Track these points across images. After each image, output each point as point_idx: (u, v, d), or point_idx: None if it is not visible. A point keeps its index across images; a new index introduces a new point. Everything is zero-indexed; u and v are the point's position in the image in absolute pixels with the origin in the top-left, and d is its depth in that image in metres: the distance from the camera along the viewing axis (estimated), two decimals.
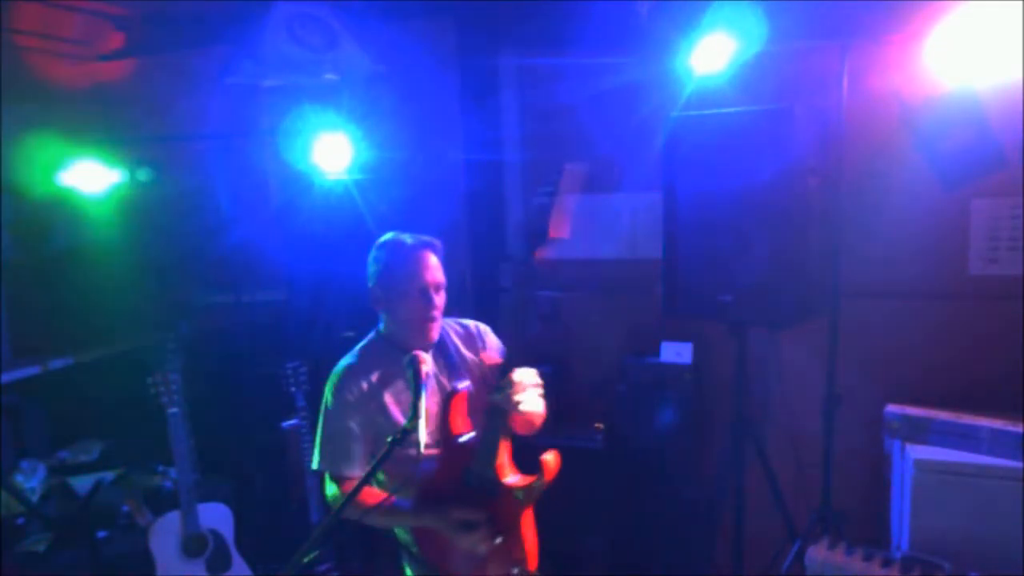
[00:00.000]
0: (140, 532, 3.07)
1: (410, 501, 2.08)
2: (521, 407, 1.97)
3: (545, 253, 3.76)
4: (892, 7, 2.92)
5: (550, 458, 2.08)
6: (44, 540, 3.26)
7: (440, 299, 2.11)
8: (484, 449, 2.05)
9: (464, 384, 2.16)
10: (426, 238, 2.14)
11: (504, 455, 2.08)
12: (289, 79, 3.36)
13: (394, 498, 2.06)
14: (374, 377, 2.12)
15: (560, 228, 1.73)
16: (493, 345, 2.32)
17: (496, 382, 2.03)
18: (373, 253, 2.16)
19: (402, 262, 2.10)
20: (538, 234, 1.80)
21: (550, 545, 2.19)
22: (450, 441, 2.10)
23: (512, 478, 2.09)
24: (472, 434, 2.12)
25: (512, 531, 2.10)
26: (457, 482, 2.07)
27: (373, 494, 2.07)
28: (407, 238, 2.14)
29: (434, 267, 2.11)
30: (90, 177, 3.86)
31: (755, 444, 2.93)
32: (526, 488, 2.07)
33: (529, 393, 2.01)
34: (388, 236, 2.18)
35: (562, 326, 3.64)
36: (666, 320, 3.16)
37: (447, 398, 2.13)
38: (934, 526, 2.60)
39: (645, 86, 3.24)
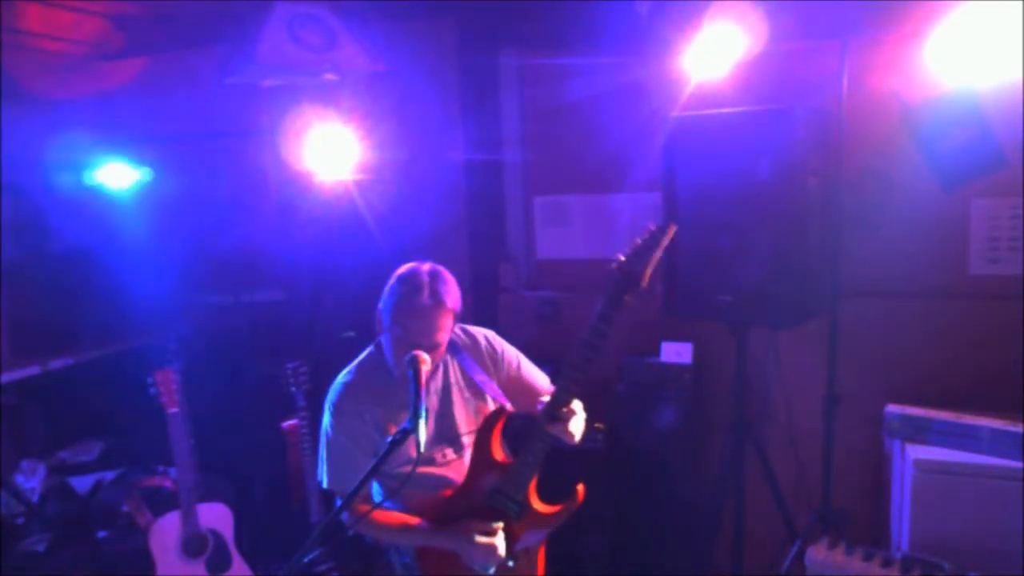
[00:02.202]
0: (140, 532, 3.07)
1: (425, 517, 2.08)
2: (576, 437, 2.00)
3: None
4: (892, 6, 2.92)
5: (581, 488, 2.08)
6: (44, 540, 3.26)
7: (432, 356, 1.99)
8: (522, 472, 2.02)
9: (509, 405, 2.15)
10: (443, 293, 1.98)
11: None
12: (289, 79, 3.36)
13: (416, 519, 2.06)
14: (371, 395, 2.09)
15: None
16: (511, 359, 2.28)
17: (550, 407, 1.98)
18: (391, 283, 2.04)
19: (408, 314, 1.97)
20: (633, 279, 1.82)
21: (550, 545, 2.19)
22: (486, 460, 2.08)
23: (537, 503, 2.09)
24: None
25: (526, 557, 2.10)
26: (479, 502, 2.06)
27: (385, 512, 2.07)
28: (425, 290, 1.96)
29: (437, 329, 1.98)
30: (89, 177, 3.86)
31: (755, 444, 2.93)
32: (555, 514, 2.08)
33: (581, 424, 2.03)
34: (410, 273, 2.03)
35: (562, 326, 3.64)
36: (666, 320, 3.16)
37: (493, 417, 2.10)
38: (934, 526, 2.60)
39: (645, 86, 3.24)
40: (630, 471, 3.21)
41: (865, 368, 3.10)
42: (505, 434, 2.17)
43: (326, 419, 2.10)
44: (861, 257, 3.09)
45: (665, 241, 1.81)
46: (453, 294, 2.02)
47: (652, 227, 1.86)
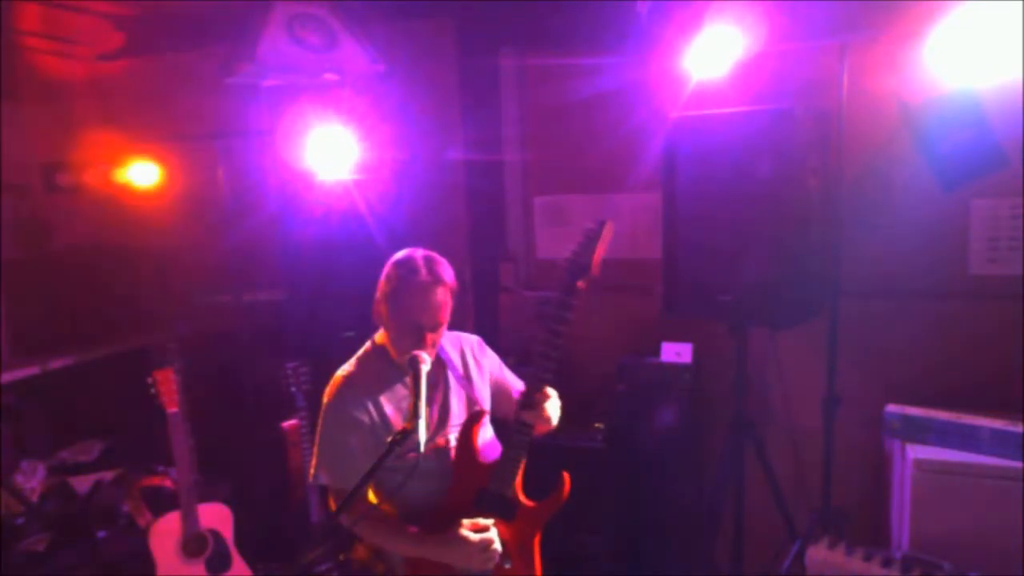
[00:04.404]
0: (140, 532, 3.07)
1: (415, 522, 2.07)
2: (553, 422, 2.06)
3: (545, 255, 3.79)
4: (891, 6, 2.92)
5: (567, 477, 2.11)
6: (44, 540, 3.26)
7: (435, 336, 2.05)
8: (507, 468, 2.05)
9: (487, 407, 2.20)
10: (441, 271, 2.04)
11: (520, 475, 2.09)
12: (289, 79, 3.35)
13: (413, 528, 2.05)
14: (372, 387, 2.09)
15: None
16: (494, 363, 2.32)
17: (524, 395, 2.04)
18: (387, 269, 2.08)
19: (409, 295, 2.01)
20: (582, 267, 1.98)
21: (550, 545, 2.19)
22: (469, 463, 2.09)
23: (525, 499, 2.10)
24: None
25: (522, 557, 2.10)
26: (468, 506, 2.06)
27: (378, 514, 2.07)
28: (423, 269, 2.02)
29: (439, 306, 2.02)
30: (88, 177, 3.86)
31: (755, 444, 2.93)
32: (544, 506, 2.10)
33: (556, 409, 2.08)
34: (406, 256, 2.07)
35: None
36: (666, 320, 3.16)
37: (472, 420, 2.12)
38: (934, 526, 2.60)
39: (645, 86, 3.24)
40: (630, 471, 3.22)
41: (865, 368, 3.10)
42: None
43: (325, 412, 2.09)
44: (861, 257, 3.09)
45: (606, 235, 1.96)
46: (449, 272, 2.08)
47: (591, 224, 1.99)
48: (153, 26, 4.09)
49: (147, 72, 4.31)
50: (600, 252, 1.96)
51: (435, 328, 2.04)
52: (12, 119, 3.83)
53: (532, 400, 2.03)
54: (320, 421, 2.10)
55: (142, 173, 3.96)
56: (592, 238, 1.96)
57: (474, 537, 1.97)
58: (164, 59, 4.24)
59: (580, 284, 1.97)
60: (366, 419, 2.06)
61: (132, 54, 4.27)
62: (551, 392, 2.05)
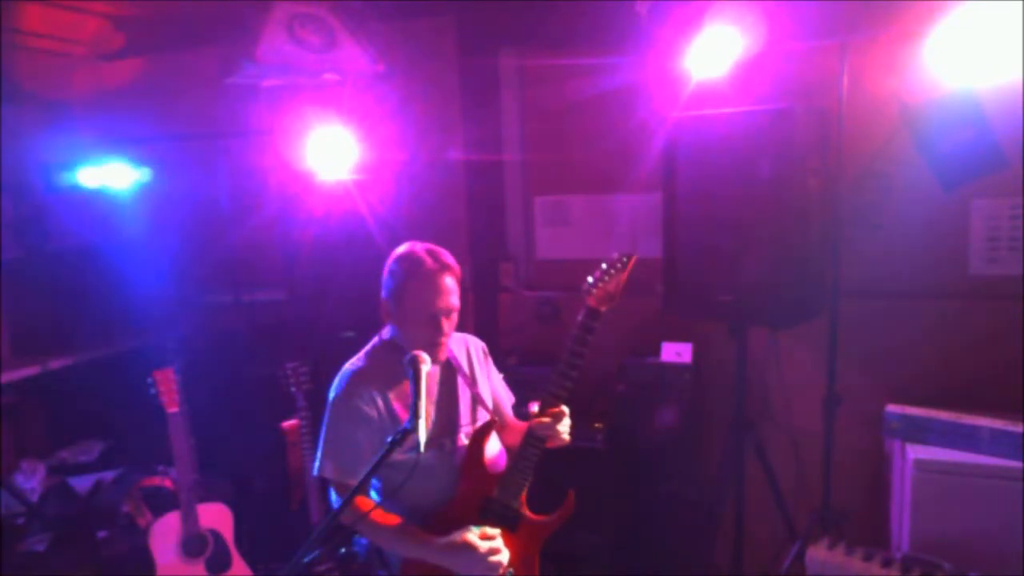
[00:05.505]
0: (140, 532, 3.07)
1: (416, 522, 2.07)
2: (565, 437, 2.10)
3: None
4: (892, 6, 2.92)
5: (572, 495, 2.14)
6: (44, 540, 3.26)
7: (450, 324, 2.07)
8: (515, 479, 2.08)
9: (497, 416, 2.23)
10: (445, 258, 2.07)
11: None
12: (289, 79, 3.36)
13: (412, 526, 2.05)
14: (381, 382, 2.09)
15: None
16: (494, 374, 2.34)
17: (539, 411, 2.07)
18: (390, 266, 2.09)
19: (418, 285, 2.02)
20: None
21: (550, 545, 2.19)
22: (478, 472, 2.10)
23: (530, 513, 2.12)
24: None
25: (522, 569, 2.11)
26: (473, 514, 2.06)
27: (381, 513, 2.07)
28: (427, 258, 2.04)
29: (449, 292, 2.04)
30: (89, 177, 3.86)
31: (755, 444, 2.93)
32: (548, 522, 2.12)
33: (568, 426, 2.11)
34: (407, 250, 2.09)
35: (562, 326, 3.64)
36: (666, 320, 3.16)
37: (484, 429, 2.13)
38: (934, 526, 2.60)
39: (645, 86, 3.24)
40: (630, 471, 3.22)
41: (865, 368, 3.10)
42: None
43: (333, 405, 2.08)
44: (861, 257, 3.09)
45: (629, 267, 2.08)
46: (452, 259, 2.10)
47: (617, 255, 2.08)
48: (153, 26, 4.09)
49: (147, 72, 4.31)
50: (624, 281, 2.06)
51: (449, 313, 2.05)
52: (12, 119, 3.83)
53: (547, 415, 2.05)
54: (327, 414, 2.09)
55: (142, 173, 3.96)
56: (619, 268, 2.06)
57: (482, 546, 1.97)
58: (164, 59, 4.24)
59: (603, 309, 2.05)
60: (374, 414, 2.05)
61: (132, 54, 4.28)
62: (566, 409, 2.09)
